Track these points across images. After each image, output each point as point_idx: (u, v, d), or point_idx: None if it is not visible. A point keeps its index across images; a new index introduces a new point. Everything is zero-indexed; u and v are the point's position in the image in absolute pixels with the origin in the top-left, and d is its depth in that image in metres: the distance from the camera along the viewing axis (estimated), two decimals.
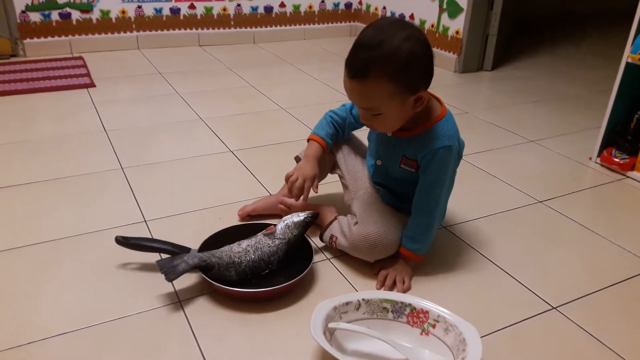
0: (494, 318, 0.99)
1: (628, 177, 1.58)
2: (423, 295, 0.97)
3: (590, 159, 1.69)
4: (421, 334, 0.90)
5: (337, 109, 1.23)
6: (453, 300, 1.03)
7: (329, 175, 1.33)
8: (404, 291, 1.05)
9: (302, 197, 1.14)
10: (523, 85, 2.48)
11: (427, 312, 0.91)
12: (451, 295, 1.05)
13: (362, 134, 1.25)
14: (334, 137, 1.22)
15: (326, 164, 1.28)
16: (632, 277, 1.13)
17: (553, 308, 1.03)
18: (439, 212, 1.10)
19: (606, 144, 1.66)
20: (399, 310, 0.93)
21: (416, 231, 1.08)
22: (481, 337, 0.90)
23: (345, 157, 1.26)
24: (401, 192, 1.14)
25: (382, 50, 0.93)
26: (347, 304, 0.93)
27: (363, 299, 0.94)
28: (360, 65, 0.94)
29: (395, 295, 0.95)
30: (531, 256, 1.20)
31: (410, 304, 0.93)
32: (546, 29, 3.85)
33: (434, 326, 0.90)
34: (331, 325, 0.88)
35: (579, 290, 1.08)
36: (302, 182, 1.13)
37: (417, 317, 0.92)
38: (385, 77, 0.94)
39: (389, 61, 0.93)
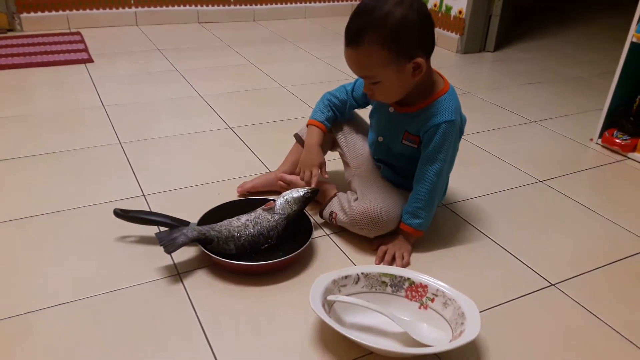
0: (492, 294, 1.00)
1: (629, 158, 1.58)
2: (422, 271, 0.97)
3: (592, 140, 1.68)
4: (419, 307, 0.91)
5: (335, 91, 1.22)
6: (452, 277, 1.02)
7: (329, 152, 1.32)
8: (404, 266, 1.05)
9: (315, 183, 1.16)
10: (525, 67, 2.46)
11: (425, 286, 0.91)
12: (450, 271, 1.05)
13: (364, 112, 1.24)
14: (332, 120, 1.21)
15: (326, 142, 1.27)
16: (631, 256, 1.13)
17: (551, 285, 1.03)
18: (440, 188, 1.09)
19: (608, 125, 1.65)
20: (397, 284, 0.93)
21: (417, 206, 1.07)
22: (480, 311, 0.90)
23: (346, 135, 1.24)
24: (402, 169, 1.14)
25: (373, 16, 0.94)
26: (346, 277, 0.93)
27: (362, 273, 0.94)
28: (354, 33, 0.96)
29: (394, 270, 0.95)
30: (531, 234, 1.20)
31: (409, 278, 0.93)
32: (550, 11, 3.81)
33: (432, 300, 0.90)
34: (330, 297, 0.88)
35: (577, 268, 1.08)
36: (309, 174, 1.16)
37: (416, 291, 0.92)
38: (377, 44, 0.94)
39: (379, 27, 0.93)
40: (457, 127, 1.04)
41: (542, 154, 1.59)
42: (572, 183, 1.43)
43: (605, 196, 1.37)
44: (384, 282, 0.94)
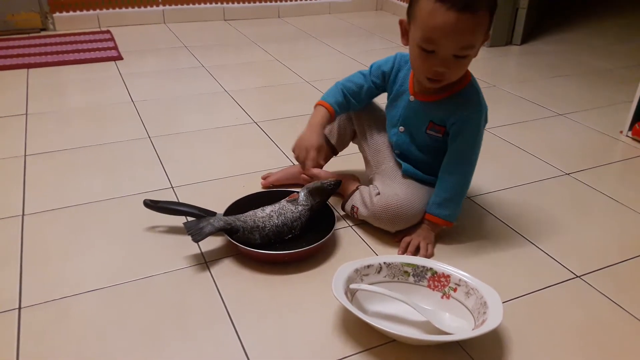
0: (515, 285, 0.99)
1: None
2: (445, 262, 0.97)
3: (621, 132, 1.65)
4: (442, 297, 0.91)
5: (352, 76, 1.18)
6: (475, 268, 1.02)
7: (351, 144, 1.32)
8: (428, 257, 1.05)
9: (311, 166, 1.13)
10: (553, 60, 2.42)
11: (448, 276, 0.92)
12: (474, 263, 1.05)
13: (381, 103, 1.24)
14: (344, 106, 1.17)
15: (347, 134, 1.26)
16: None
17: (577, 277, 1.02)
18: (470, 178, 1.09)
19: (638, 117, 1.62)
20: (420, 274, 0.94)
21: (446, 197, 1.07)
22: (503, 302, 0.90)
23: (367, 130, 1.22)
24: (425, 162, 1.13)
25: None
26: (368, 266, 0.94)
27: (384, 262, 0.95)
28: None
29: (416, 260, 0.96)
30: (557, 227, 1.18)
31: (431, 268, 0.93)
32: (578, 3, 3.73)
33: (455, 290, 0.90)
34: (352, 286, 0.89)
35: (604, 260, 1.07)
36: (304, 155, 1.12)
37: (438, 281, 0.92)
38: (488, 10, 0.92)
39: None
40: (483, 115, 1.04)
41: (570, 147, 1.57)
42: (600, 176, 1.40)
43: (634, 189, 1.35)
44: (406, 271, 0.95)
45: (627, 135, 1.63)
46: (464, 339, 0.84)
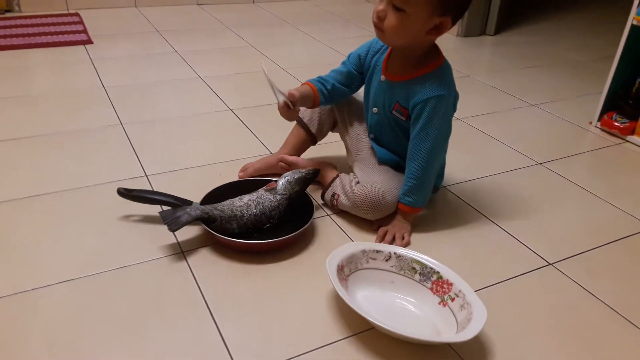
0: (490, 273, 1.01)
1: (628, 141, 1.59)
2: (421, 250, 0.98)
3: (591, 123, 1.69)
4: (439, 303, 0.90)
5: (335, 68, 1.21)
6: (451, 256, 1.04)
7: (330, 134, 1.33)
8: (404, 246, 1.06)
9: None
10: (526, 51, 2.45)
11: (451, 284, 0.90)
12: (449, 251, 1.07)
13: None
14: (326, 88, 1.18)
15: (327, 123, 1.29)
16: (627, 237, 1.15)
17: (549, 264, 1.05)
18: (435, 165, 1.09)
19: (607, 108, 1.66)
20: (426, 275, 0.93)
21: (411, 184, 1.07)
22: (476, 290, 0.92)
23: (347, 119, 1.25)
24: (397, 146, 1.14)
25: None
26: (377, 251, 0.95)
27: (395, 253, 0.95)
28: None
29: (427, 260, 0.94)
30: (529, 215, 1.21)
31: (438, 272, 0.92)
32: None
33: (452, 299, 0.89)
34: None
35: (575, 247, 1.10)
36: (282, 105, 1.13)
37: (441, 287, 0.91)
38: None
39: None
40: (448, 102, 1.04)
41: (542, 137, 1.60)
42: (571, 165, 1.44)
43: (603, 178, 1.39)
44: (414, 268, 0.94)
45: (596, 126, 1.67)
46: (434, 342, 0.85)
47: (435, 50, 1.07)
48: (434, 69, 1.04)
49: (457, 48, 2.46)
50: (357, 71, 1.19)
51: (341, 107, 1.26)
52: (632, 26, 1.52)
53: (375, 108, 1.14)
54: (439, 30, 0.98)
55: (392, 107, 1.09)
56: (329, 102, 1.22)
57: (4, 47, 2.07)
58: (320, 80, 1.19)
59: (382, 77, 1.10)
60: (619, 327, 0.91)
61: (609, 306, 0.95)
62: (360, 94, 1.25)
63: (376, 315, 0.82)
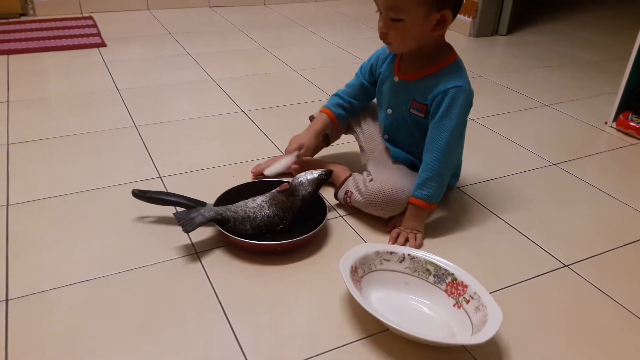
0: (505, 274, 1.00)
1: None
2: (435, 252, 0.97)
3: (606, 123, 1.67)
4: (454, 305, 0.89)
5: (349, 81, 1.25)
6: (465, 258, 1.04)
7: (343, 136, 1.34)
8: (417, 247, 1.06)
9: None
10: (539, 50, 2.43)
11: (466, 286, 0.89)
12: (464, 252, 1.06)
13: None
14: (344, 107, 1.24)
15: (340, 126, 1.30)
16: None
17: (565, 266, 1.04)
18: (451, 159, 1.08)
19: (623, 108, 1.64)
20: (440, 276, 0.93)
21: (426, 177, 1.06)
22: (492, 292, 0.92)
23: (361, 120, 1.27)
24: (412, 145, 1.14)
25: None
26: (391, 253, 0.95)
27: (409, 254, 0.95)
28: None
29: (441, 261, 0.94)
30: (544, 216, 1.20)
31: (452, 274, 0.92)
32: None
33: (468, 301, 0.88)
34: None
35: (591, 249, 1.09)
36: (291, 147, 1.23)
37: (456, 289, 0.91)
38: None
39: None
40: (466, 93, 1.03)
41: (556, 137, 1.59)
42: (586, 166, 1.42)
43: (619, 179, 1.37)
44: (428, 270, 0.94)
45: (611, 126, 1.65)
46: (449, 345, 0.84)
47: (449, 48, 1.07)
48: (449, 64, 1.05)
49: (470, 48, 2.45)
50: (370, 83, 1.21)
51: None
52: None
53: (390, 109, 1.14)
54: (443, 24, 0.99)
55: (409, 105, 1.09)
56: (347, 120, 1.28)
57: (19, 50, 2.09)
58: (338, 103, 1.23)
59: (396, 78, 1.10)
60: (634, 328, 0.90)
61: (625, 307, 0.94)
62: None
63: (390, 317, 0.82)
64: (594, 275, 1.01)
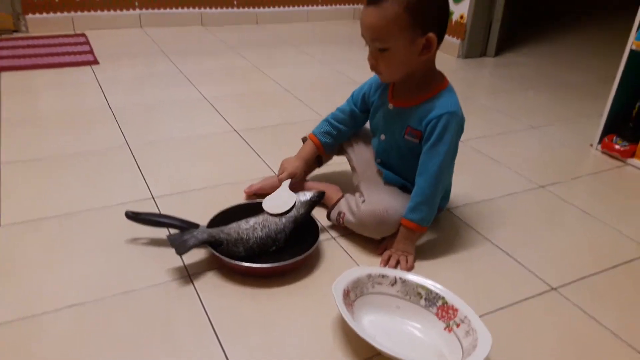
0: (494, 297, 1.02)
1: (628, 164, 1.61)
2: (425, 274, 0.99)
3: (591, 145, 1.71)
4: (445, 329, 0.91)
5: (341, 105, 1.27)
6: (455, 280, 1.05)
7: (335, 156, 1.36)
8: (408, 269, 1.07)
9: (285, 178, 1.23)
10: (526, 72, 2.49)
11: (457, 310, 0.91)
12: (454, 274, 1.08)
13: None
14: (332, 134, 1.26)
15: (327, 154, 1.33)
16: (630, 261, 1.16)
17: (553, 289, 1.06)
18: (443, 183, 1.10)
19: (607, 131, 1.68)
20: (431, 300, 0.94)
21: (418, 200, 1.08)
22: (481, 315, 0.93)
23: (353, 143, 1.29)
24: (405, 169, 1.16)
25: None
26: (383, 276, 0.96)
27: (400, 278, 0.97)
28: None
29: (432, 285, 0.95)
30: (532, 239, 1.22)
31: (443, 297, 0.93)
32: (552, 16, 3.84)
33: (458, 325, 0.89)
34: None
35: (578, 272, 1.11)
36: (282, 175, 1.23)
37: (446, 312, 0.92)
38: (400, 5, 0.97)
39: None
40: (458, 119, 1.06)
41: (543, 160, 1.62)
42: (572, 188, 1.45)
43: (604, 201, 1.40)
44: (419, 293, 0.95)
45: (596, 149, 1.69)
46: None
47: (439, 74, 1.10)
48: (441, 90, 1.08)
49: (459, 69, 2.50)
50: (361, 110, 1.23)
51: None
52: (631, 51, 1.54)
53: (383, 135, 1.16)
54: (429, 48, 1.02)
55: (403, 132, 1.11)
56: (333, 148, 1.30)
57: (12, 67, 2.10)
58: (327, 131, 1.25)
59: (391, 105, 1.13)
60: (620, 352, 0.91)
61: (611, 331, 0.95)
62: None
63: (382, 341, 0.83)
64: (581, 299, 1.03)
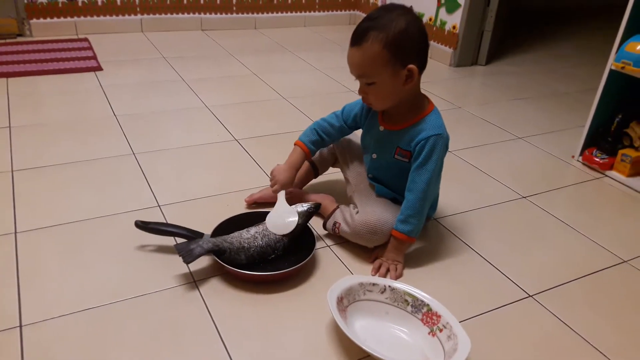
0: (475, 304, 1.11)
1: (607, 176, 1.70)
2: (413, 281, 1.08)
3: (573, 157, 1.80)
4: (429, 334, 0.99)
5: (328, 117, 1.33)
6: (440, 287, 1.14)
7: (331, 168, 1.45)
8: (397, 278, 1.16)
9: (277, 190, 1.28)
10: (515, 81, 2.58)
11: (440, 316, 0.99)
12: (439, 282, 1.17)
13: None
14: (319, 143, 1.32)
15: (329, 159, 1.43)
16: (601, 270, 1.25)
17: (529, 296, 1.15)
18: (430, 197, 1.19)
19: (589, 143, 1.77)
20: (417, 307, 1.03)
21: (408, 214, 1.17)
22: (461, 321, 1.02)
23: (348, 157, 1.38)
24: (394, 184, 1.25)
25: (379, 21, 1.08)
26: (373, 284, 1.05)
27: (389, 286, 1.06)
28: (360, 32, 1.10)
29: (418, 293, 1.04)
30: (513, 248, 1.31)
31: (428, 305, 1.02)
32: (542, 25, 3.93)
33: (441, 330, 0.98)
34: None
35: (553, 280, 1.20)
36: (275, 186, 1.27)
37: (431, 318, 1.01)
38: (379, 44, 1.07)
39: (383, 30, 1.07)
40: (444, 140, 1.16)
41: (527, 171, 1.71)
42: (553, 199, 1.55)
43: (582, 213, 1.49)
44: (406, 300, 1.04)
45: (578, 160, 1.78)
46: None
47: (425, 98, 1.20)
48: (428, 113, 1.17)
49: (450, 78, 2.59)
50: (350, 127, 1.31)
51: (342, 149, 1.38)
52: (610, 71, 1.63)
53: (375, 154, 1.25)
54: (412, 77, 1.11)
55: (393, 152, 1.20)
56: (320, 147, 1.36)
57: (18, 73, 2.16)
58: (314, 140, 1.31)
59: (381, 128, 1.22)
60: (591, 358, 1.00)
61: (583, 338, 1.05)
62: (358, 135, 1.36)
63: (372, 345, 0.92)
64: (556, 306, 1.12)
